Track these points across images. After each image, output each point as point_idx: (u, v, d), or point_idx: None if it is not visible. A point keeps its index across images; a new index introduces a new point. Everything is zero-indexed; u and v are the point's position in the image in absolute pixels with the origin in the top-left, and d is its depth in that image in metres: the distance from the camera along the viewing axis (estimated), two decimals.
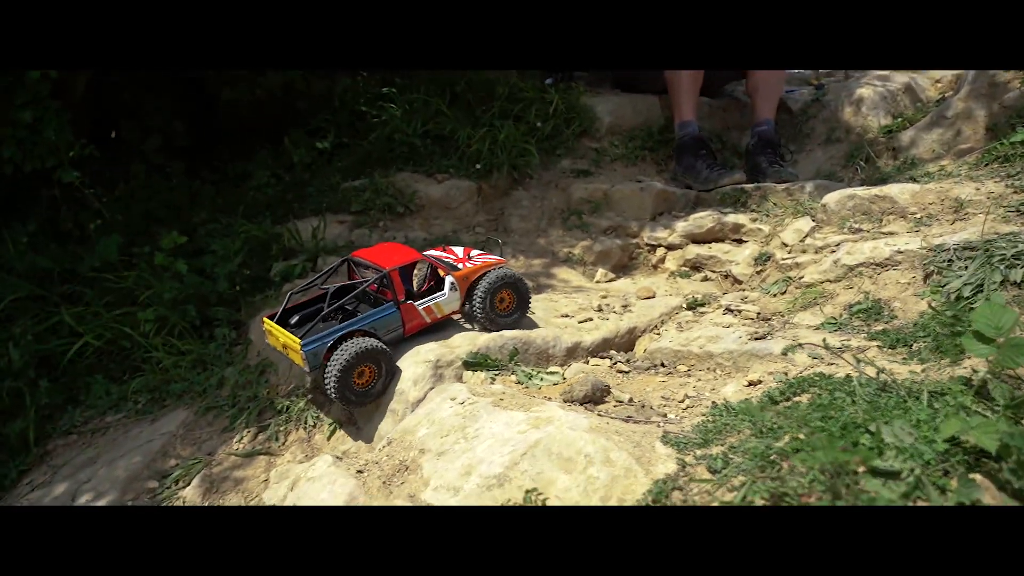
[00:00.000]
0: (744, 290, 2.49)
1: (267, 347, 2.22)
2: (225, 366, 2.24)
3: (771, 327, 2.00)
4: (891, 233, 2.26)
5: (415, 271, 2.03)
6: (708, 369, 1.87)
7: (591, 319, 2.16)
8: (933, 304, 1.81)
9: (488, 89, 3.57)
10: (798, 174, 3.16)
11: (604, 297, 2.44)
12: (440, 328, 1.99)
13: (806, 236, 2.52)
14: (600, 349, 2.06)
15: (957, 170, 2.84)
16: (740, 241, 2.75)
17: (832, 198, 2.55)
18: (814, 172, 3.38)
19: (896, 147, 3.22)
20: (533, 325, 2.06)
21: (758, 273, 2.54)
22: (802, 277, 2.28)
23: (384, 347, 1.73)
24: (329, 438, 1.92)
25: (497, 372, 1.82)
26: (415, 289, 1.98)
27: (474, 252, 2.07)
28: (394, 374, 1.78)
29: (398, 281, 1.82)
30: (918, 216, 2.29)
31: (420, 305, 1.87)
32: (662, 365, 1.96)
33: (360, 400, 1.74)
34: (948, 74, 3.72)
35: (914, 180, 2.87)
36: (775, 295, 2.30)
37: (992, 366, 1.23)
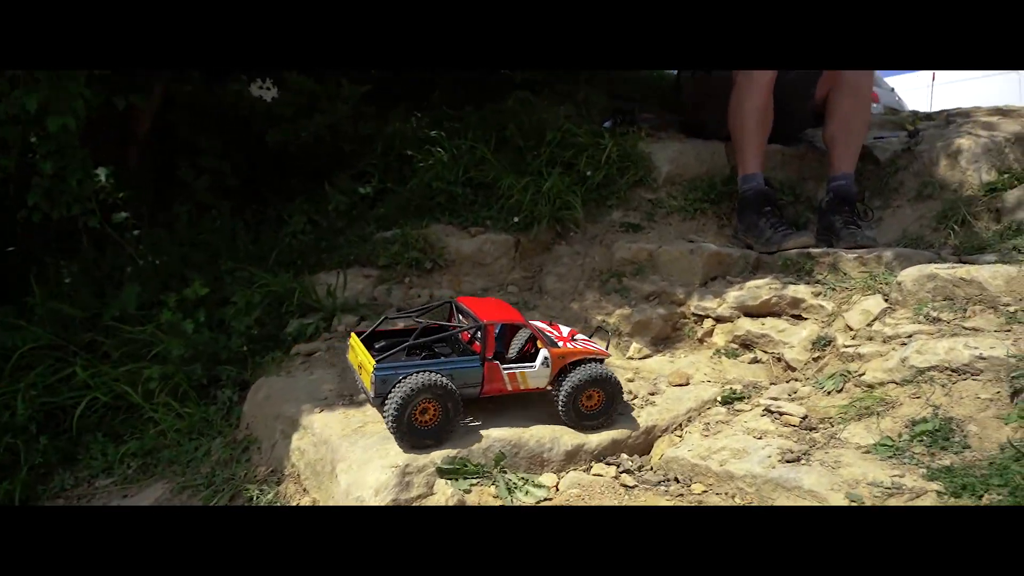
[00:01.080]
0: (796, 379, 2.16)
1: (255, 420, 2.10)
2: (216, 435, 2.13)
3: (811, 444, 1.68)
4: (975, 330, 1.88)
5: (515, 338, 1.94)
6: (726, 495, 1.58)
7: None
8: (1015, 437, 1.45)
9: (538, 133, 3.36)
10: (876, 238, 2.78)
11: (631, 380, 2.17)
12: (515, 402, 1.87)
13: (875, 320, 2.16)
14: (608, 452, 1.80)
15: None
16: (799, 318, 2.41)
17: (909, 275, 2.18)
18: (900, 234, 2.97)
19: (999, 208, 2.78)
20: (534, 421, 1.82)
21: (815, 360, 2.20)
22: (863, 374, 1.94)
23: (452, 387, 1.63)
24: None
25: (476, 481, 1.60)
26: (509, 354, 1.91)
27: (579, 336, 1.95)
28: (456, 421, 1.68)
29: (491, 336, 1.74)
30: (1012, 310, 1.90)
31: (506, 369, 1.76)
32: (676, 480, 1.68)
33: (419, 439, 1.63)
34: None
35: (1018, 252, 2.44)
36: (829, 392, 1.97)
37: None
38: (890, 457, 1.55)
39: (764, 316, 2.47)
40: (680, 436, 1.87)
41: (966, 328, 1.90)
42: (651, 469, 1.77)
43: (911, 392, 1.77)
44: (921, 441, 1.58)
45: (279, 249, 3.07)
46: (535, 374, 1.78)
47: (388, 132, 3.61)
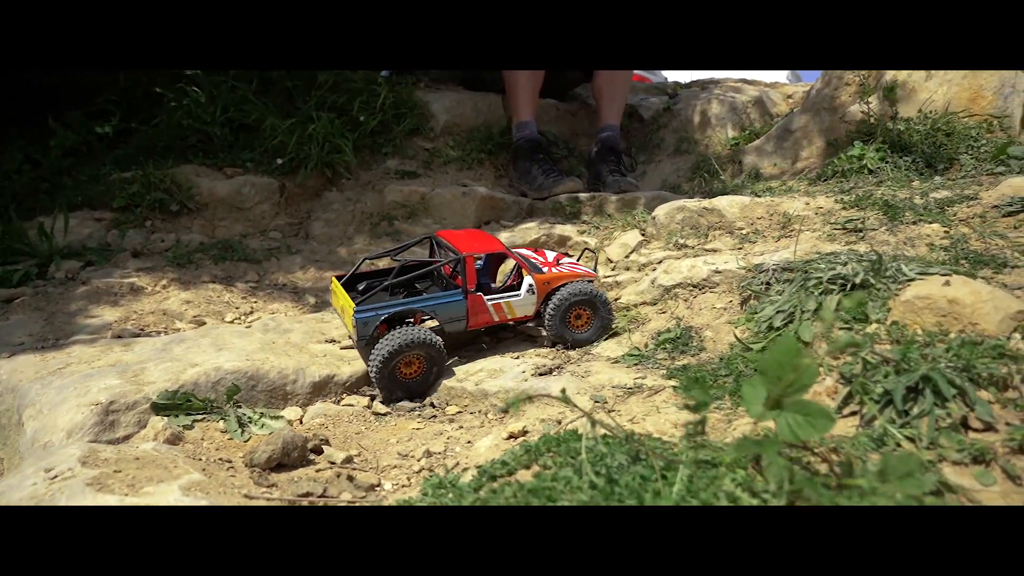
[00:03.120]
0: None
1: None
2: None
3: (565, 359, 1.68)
4: (714, 250, 2.00)
5: (502, 268, 1.88)
6: (479, 412, 1.52)
7: None
8: (741, 335, 1.54)
9: (310, 76, 3.13)
10: (639, 184, 2.91)
11: None
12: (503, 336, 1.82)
13: (632, 251, 2.24)
14: (363, 383, 1.67)
15: (797, 185, 2.66)
16: (567, 254, 2.44)
17: (662, 211, 2.28)
18: (660, 184, 3.15)
19: (741, 161, 3.03)
20: (281, 354, 1.64)
21: None
22: (619, 298, 1.99)
23: (435, 341, 1.59)
24: None
25: (202, 416, 1.40)
26: (497, 284, 1.84)
27: (565, 260, 1.88)
28: (441, 374, 1.64)
29: (471, 268, 1.67)
30: (744, 232, 2.05)
31: (490, 300, 1.70)
32: (432, 404, 1.60)
33: (404, 392, 1.60)
34: (800, 89, 3.61)
35: (755, 195, 2.67)
36: None
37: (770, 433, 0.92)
38: (636, 364, 1.58)
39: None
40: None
41: (707, 250, 2.01)
42: None
43: (659, 309, 1.83)
44: (664, 348, 1.63)
45: None
46: (521, 302, 1.73)
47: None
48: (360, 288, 1.77)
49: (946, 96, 2.50)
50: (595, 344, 1.76)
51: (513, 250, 1.86)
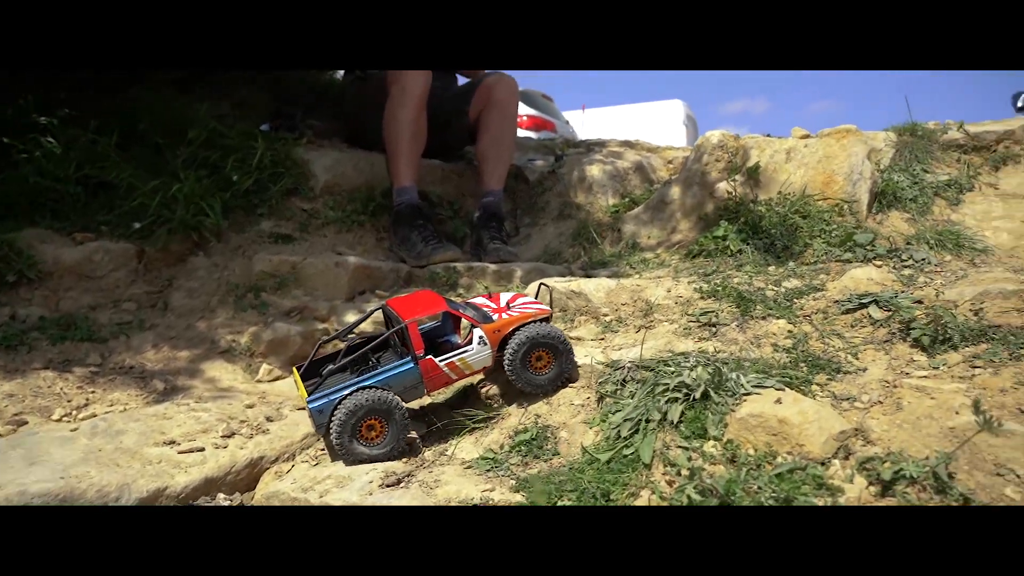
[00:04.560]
0: (428, 395, 2.13)
1: None
2: None
3: (419, 463, 1.63)
4: (579, 339, 2.01)
5: (462, 323, 1.87)
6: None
7: (203, 448, 1.66)
8: (591, 444, 1.53)
9: (180, 131, 2.98)
10: (518, 253, 2.91)
11: (251, 407, 1.95)
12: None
13: None
14: (201, 494, 1.56)
15: (670, 259, 2.73)
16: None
17: (531, 290, 2.28)
18: (542, 250, 3.17)
19: (620, 229, 3.10)
20: (108, 465, 1.51)
21: None
22: (484, 387, 1.96)
23: (391, 400, 1.60)
24: None
25: None
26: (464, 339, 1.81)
27: (521, 300, 1.85)
28: (405, 428, 1.64)
29: (415, 334, 1.65)
30: (609, 319, 2.07)
31: (442, 361, 1.68)
32: None
33: (371, 458, 1.61)
34: (680, 155, 3.74)
35: (630, 267, 2.73)
36: (452, 408, 1.95)
37: None
38: (488, 471, 1.55)
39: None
40: (291, 466, 1.70)
41: (572, 337, 2.02)
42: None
43: (517, 403, 1.81)
44: (519, 451, 1.61)
45: None
46: (475, 355, 1.72)
47: None
48: (325, 372, 1.72)
49: (803, 179, 2.64)
50: (455, 442, 1.72)
51: (462, 302, 1.86)
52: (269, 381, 2.18)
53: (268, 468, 1.69)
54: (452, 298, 2.04)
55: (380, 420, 1.60)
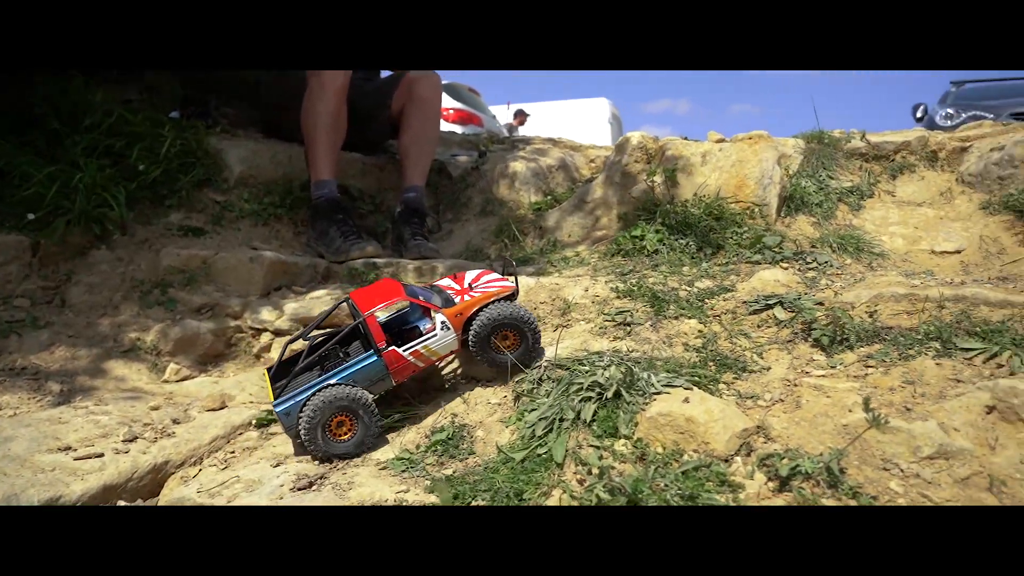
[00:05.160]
0: None
1: None
2: None
3: (333, 465, 1.60)
4: None
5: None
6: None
7: (102, 454, 1.58)
8: (507, 443, 1.54)
9: (81, 116, 2.82)
10: (439, 250, 2.90)
11: (157, 409, 1.87)
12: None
13: None
14: (99, 502, 1.48)
15: (589, 257, 2.77)
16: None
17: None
18: (465, 245, 3.16)
19: (542, 226, 3.12)
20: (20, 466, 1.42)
21: None
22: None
23: (360, 396, 1.60)
24: None
25: None
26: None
27: (486, 278, 1.83)
28: (376, 424, 1.65)
29: (374, 327, 1.64)
30: None
31: (406, 350, 1.67)
32: None
33: (344, 454, 1.61)
34: (602, 154, 3.80)
35: (551, 264, 2.75)
36: None
37: None
38: (403, 471, 1.54)
39: (325, 327, 2.37)
40: (198, 470, 1.64)
41: None
42: None
43: (434, 402, 1.80)
44: (435, 451, 1.60)
45: None
46: (439, 341, 1.70)
47: None
48: (295, 371, 1.71)
49: (717, 182, 2.73)
50: (367, 445, 1.70)
51: (426, 286, 1.86)
52: (177, 381, 2.10)
53: (173, 473, 1.63)
54: (413, 283, 2.00)
55: (348, 416, 1.60)
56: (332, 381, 1.60)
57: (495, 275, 1.86)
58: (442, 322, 1.71)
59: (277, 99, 3.27)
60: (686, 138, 3.04)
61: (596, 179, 3.13)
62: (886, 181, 2.93)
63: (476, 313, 1.72)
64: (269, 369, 1.79)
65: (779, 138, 3.04)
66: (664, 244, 2.53)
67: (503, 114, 11.47)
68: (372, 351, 1.65)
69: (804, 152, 3.01)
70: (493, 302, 1.74)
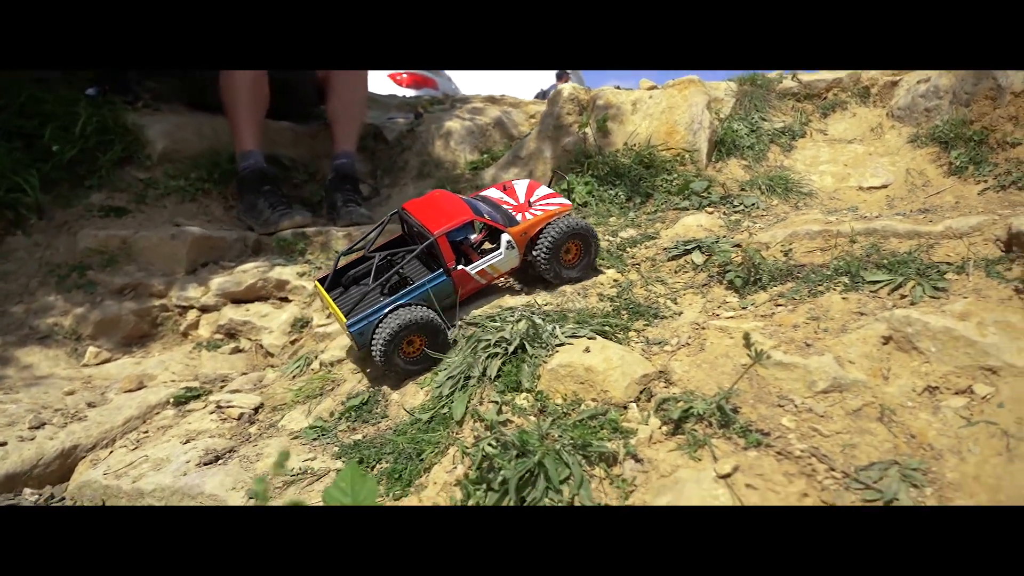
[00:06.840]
0: (272, 366, 2.07)
1: None
2: None
3: (244, 438, 1.58)
4: None
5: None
6: None
7: (5, 443, 1.54)
8: (418, 405, 1.53)
9: None
10: (372, 216, 2.85)
11: (72, 394, 1.83)
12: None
13: None
14: (3, 491, 1.46)
15: None
16: (285, 300, 2.33)
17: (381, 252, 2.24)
18: None
19: (479, 185, 3.08)
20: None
21: (291, 343, 2.14)
22: (324, 352, 1.92)
23: (432, 318, 1.58)
24: None
25: None
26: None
27: (541, 191, 1.86)
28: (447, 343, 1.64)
29: (446, 247, 1.65)
30: None
31: (473, 270, 1.71)
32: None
33: (413, 368, 1.62)
34: (542, 108, 3.74)
35: None
36: (293, 376, 1.91)
37: None
38: (314, 440, 1.52)
39: (251, 301, 2.34)
40: (109, 452, 1.61)
41: None
42: (63, 500, 1.49)
43: (353, 368, 1.78)
44: (348, 417, 1.59)
45: None
46: (504, 260, 1.74)
47: None
48: (345, 281, 1.77)
49: (648, 130, 2.70)
50: (286, 412, 1.68)
51: (480, 200, 1.85)
52: (97, 364, 2.05)
53: (84, 457, 1.60)
54: (468, 196, 1.94)
55: (420, 336, 1.59)
56: (404, 300, 1.61)
57: (546, 188, 1.90)
58: (507, 241, 1.74)
59: (198, 70, 3.16)
60: (618, 87, 2.99)
61: (531, 133, 3.08)
62: (818, 120, 2.91)
63: (541, 231, 1.76)
64: (321, 280, 1.79)
65: (711, 82, 3.01)
66: (593, 196, 2.51)
67: (460, 78, 11.24)
68: (441, 271, 1.66)
69: (736, 95, 2.98)
70: (555, 220, 1.78)
